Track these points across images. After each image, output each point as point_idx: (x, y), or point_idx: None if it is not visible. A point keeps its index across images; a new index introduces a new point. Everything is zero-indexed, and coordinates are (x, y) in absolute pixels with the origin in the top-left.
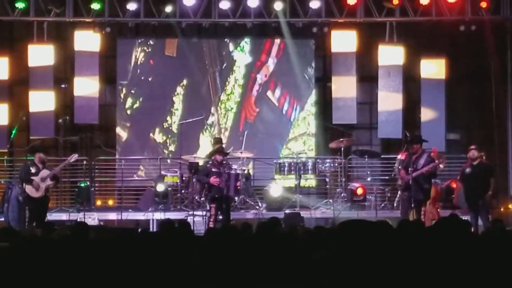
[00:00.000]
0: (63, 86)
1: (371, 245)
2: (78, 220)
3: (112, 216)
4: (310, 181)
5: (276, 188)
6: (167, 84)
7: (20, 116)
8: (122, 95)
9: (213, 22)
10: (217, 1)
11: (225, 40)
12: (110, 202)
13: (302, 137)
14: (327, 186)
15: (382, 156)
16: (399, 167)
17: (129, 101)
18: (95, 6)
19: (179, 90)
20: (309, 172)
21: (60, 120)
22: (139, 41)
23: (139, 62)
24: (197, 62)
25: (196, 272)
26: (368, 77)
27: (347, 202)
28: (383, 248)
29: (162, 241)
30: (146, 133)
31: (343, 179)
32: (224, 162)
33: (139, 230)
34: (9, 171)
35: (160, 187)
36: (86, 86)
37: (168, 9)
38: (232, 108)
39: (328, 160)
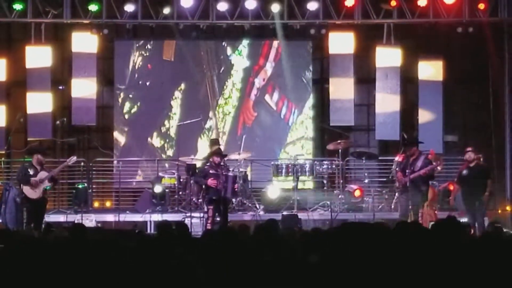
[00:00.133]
0: (60, 87)
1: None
2: (76, 221)
3: (110, 217)
4: (307, 182)
5: (274, 189)
6: (165, 88)
7: (18, 118)
8: (120, 100)
9: (210, 23)
10: (215, 2)
11: (223, 44)
12: (108, 204)
13: (300, 141)
14: (325, 188)
15: (379, 158)
16: (396, 169)
17: (127, 106)
18: (93, 7)
19: (177, 94)
20: (307, 173)
21: (58, 122)
22: (137, 45)
23: (137, 67)
24: (194, 66)
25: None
26: (365, 79)
27: (344, 204)
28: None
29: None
30: (144, 137)
31: (341, 181)
32: (221, 164)
33: (136, 231)
34: (6, 172)
35: (158, 189)
36: (84, 88)
37: (166, 10)
38: (230, 112)
39: (325, 162)
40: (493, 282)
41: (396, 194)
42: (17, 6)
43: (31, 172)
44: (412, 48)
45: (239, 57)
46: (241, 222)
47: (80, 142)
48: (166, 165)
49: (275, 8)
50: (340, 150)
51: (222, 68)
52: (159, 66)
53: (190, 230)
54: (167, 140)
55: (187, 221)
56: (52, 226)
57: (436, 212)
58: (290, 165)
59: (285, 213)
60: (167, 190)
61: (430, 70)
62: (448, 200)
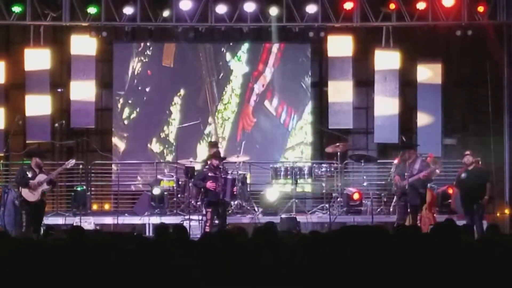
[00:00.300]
0: (59, 90)
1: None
2: (74, 224)
3: (108, 220)
4: (306, 185)
5: (273, 192)
6: (164, 94)
7: (17, 120)
8: (119, 105)
9: (209, 26)
10: (214, 5)
11: (222, 49)
12: (106, 206)
13: (299, 146)
14: (323, 191)
15: (378, 161)
16: (394, 173)
17: (126, 111)
18: (92, 10)
19: (176, 100)
20: (305, 176)
21: (57, 124)
22: (137, 51)
23: (136, 72)
24: (194, 72)
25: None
26: (364, 81)
27: (343, 207)
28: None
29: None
30: (144, 143)
31: (339, 184)
32: (220, 166)
33: (134, 234)
34: (5, 175)
35: (156, 191)
36: (83, 90)
37: (165, 13)
38: (229, 118)
39: (324, 165)
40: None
41: (395, 197)
42: (16, 9)
43: (29, 174)
44: (411, 51)
45: (238, 62)
46: (239, 225)
47: (79, 145)
48: (166, 171)
49: (273, 11)
50: (338, 153)
51: (221, 74)
52: (158, 72)
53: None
54: (167, 146)
55: (185, 223)
56: (52, 229)
57: (435, 215)
58: (288, 168)
59: (283, 215)
60: (165, 193)
61: (429, 73)
62: (448, 203)
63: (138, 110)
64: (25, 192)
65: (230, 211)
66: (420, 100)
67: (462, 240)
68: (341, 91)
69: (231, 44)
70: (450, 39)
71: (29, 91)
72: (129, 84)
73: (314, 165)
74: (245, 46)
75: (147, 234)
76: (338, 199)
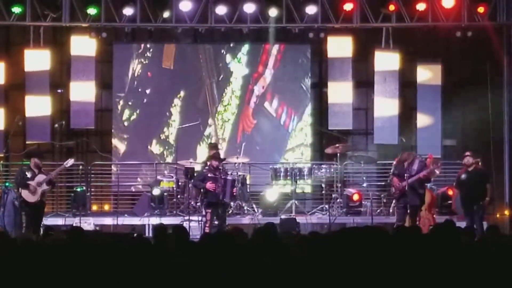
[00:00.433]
0: (59, 91)
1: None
2: (74, 225)
3: (108, 221)
4: (306, 186)
5: (272, 193)
6: (164, 95)
7: (16, 121)
8: (119, 107)
9: (209, 27)
10: (214, 6)
11: (222, 51)
12: (106, 207)
13: (299, 147)
14: (323, 192)
15: (378, 162)
16: (391, 175)
17: (126, 113)
18: (92, 11)
19: (176, 101)
20: (305, 177)
21: (56, 125)
22: (137, 52)
23: (136, 74)
24: (194, 74)
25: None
26: (364, 82)
27: (343, 208)
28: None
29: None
30: (144, 144)
31: (339, 185)
32: (220, 167)
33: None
34: (5, 175)
35: (156, 191)
36: (82, 91)
37: (165, 14)
38: (229, 120)
39: (324, 166)
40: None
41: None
42: (16, 9)
43: (28, 175)
44: (410, 52)
45: (238, 64)
46: (238, 226)
47: (78, 146)
48: (165, 172)
49: (273, 12)
50: (338, 154)
51: (221, 76)
52: (158, 73)
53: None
54: (167, 147)
55: (185, 224)
56: (51, 229)
57: (434, 216)
58: (288, 169)
59: (283, 216)
60: (165, 194)
61: (429, 74)
62: (448, 204)
63: (138, 111)
64: (25, 193)
65: (229, 212)
66: (420, 101)
67: (462, 241)
68: (341, 92)
69: (231, 45)
70: (450, 40)
71: (29, 92)
72: (129, 85)
73: (314, 166)
74: (245, 48)
75: (146, 235)
76: (338, 200)
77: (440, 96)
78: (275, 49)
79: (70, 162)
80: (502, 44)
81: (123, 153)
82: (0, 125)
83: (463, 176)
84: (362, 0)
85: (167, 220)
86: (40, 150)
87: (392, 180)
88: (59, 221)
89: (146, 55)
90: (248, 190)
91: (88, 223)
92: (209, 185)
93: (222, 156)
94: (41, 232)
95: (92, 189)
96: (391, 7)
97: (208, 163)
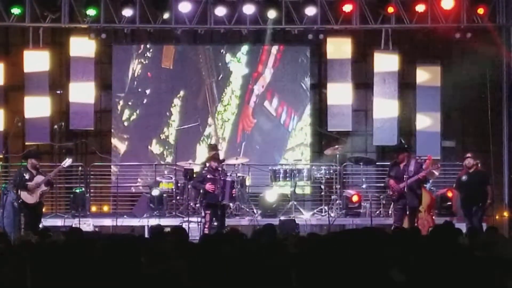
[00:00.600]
0: (58, 92)
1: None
2: (73, 226)
3: (107, 222)
4: (305, 188)
5: (272, 194)
6: (164, 95)
7: (16, 122)
8: (119, 107)
9: (209, 28)
10: (213, 7)
11: (221, 51)
12: (105, 208)
13: (299, 147)
14: (322, 193)
15: (377, 163)
16: (387, 177)
17: (126, 113)
18: (91, 12)
19: (176, 101)
20: (304, 179)
21: (56, 126)
22: (136, 53)
23: (136, 74)
24: (193, 73)
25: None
26: (363, 84)
27: (342, 209)
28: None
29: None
30: (144, 144)
31: (338, 186)
32: (219, 169)
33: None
34: (4, 176)
35: (155, 192)
36: (82, 92)
37: (165, 15)
38: (229, 119)
39: (323, 167)
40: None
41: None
42: (15, 11)
43: (27, 176)
44: (410, 53)
45: (238, 64)
46: (237, 227)
47: (77, 147)
48: (165, 172)
49: (271, 14)
50: (337, 155)
51: (221, 75)
52: (158, 73)
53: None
54: (167, 147)
55: (184, 225)
56: (49, 230)
57: (433, 217)
58: (287, 170)
59: (282, 218)
60: (164, 195)
61: (428, 75)
62: (447, 205)
63: (138, 111)
64: (23, 194)
65: (229, 213)
66: (419, 102)
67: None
68: (340, 93)
69: (230, 45)
70: (449, 41)
71: (28, 93)
72: (129, 86)
73: (313, 167)
74: (245, 48)
75: (146, 236)
76: (337, 202)
77: (440, 97)
78: (274, 48)
79: (68, 162)
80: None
81: (123, 153)
82: None
83: (463, 177)
84: (362, 2)
85: (166, 222)
86: (37, 151)
87: (389, 182)
88: (58, 222)
89: (146, 55)
90: (248, 192)
91: (87, 224)
92: (208, 186)
93: (221, 157)
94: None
95: (91, 190)
96: (390, 10)
97: (208, 164)
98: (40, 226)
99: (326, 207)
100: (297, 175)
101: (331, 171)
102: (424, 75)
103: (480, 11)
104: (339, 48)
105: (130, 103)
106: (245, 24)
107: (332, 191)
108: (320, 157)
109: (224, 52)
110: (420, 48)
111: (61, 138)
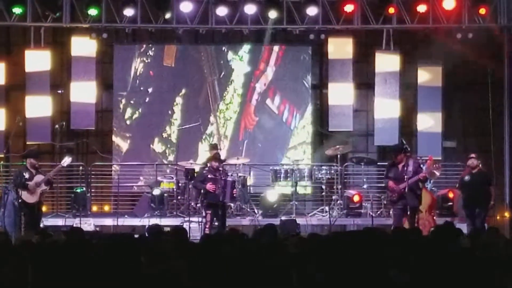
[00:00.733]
0: (59, 91)
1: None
2: (74, 225)
3: (108, 221)
4: (306, 188)
5: (273, 194)
6: (166, 94)
7: (17, 121)
8: (121, 106)
9: (210, 28)
10: (214, 7)
11: (223, 49)
12: (106, 208)
13: (301, 145)
14: (323, 193)
15: (378, 164)
16: (386, 179)
17: (128, 111)
18: (92, 12)
19: (178, 100)
20: (306, 179)
21: (57, 126)
22: (138, 51)
23: (138, 73)
24: (195, 71)
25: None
26: (364, 84)
27: (343, 209)
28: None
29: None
30: (146, 143)
31: (340, 186)
32: (220, 168)
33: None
34: (5, 176)
35: (156, 191)
36: (83, 92)
37: (166, 15)
38: (231, 118)
39: (324, 167)
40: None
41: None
42: (17, 10)
43: (26, 176)
44: (411, 53)
45: (240, 62)
46: (238, 227)
47: (78, 146)
48: (168, 171)
49: (272, 14)
50: (338, 156)
51: (223, 73)
52: (160, 72)
53: (188, 234)
54: (169, 146)
55: (185, 225)
56: (46, 230)
57: (434, 218)
58: (289, 171)
59: (283, 218)
60: (165, 195)
61: (429, 75)
62: (448, 206)
63: (140, 110)
64: (23, 194)
65: (230, 213)
66: (420, 102)
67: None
68: (341, 94)
69: (231, 45)
70: (450, 41)
71: (30, 92)
72: (131, 84)
73: (314, 167)
74: (247, 46)
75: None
76: (338, 202)
77: (441, 98)
78: (276, 46)
79: (67, 161)
80: (502, 46)
81: (126, 151)
82: (0, 125)
83: (466, 177)
84: (363, 2)
85: (167, 221)
86: (36, 151)
87: (388, 183)
88: (59, 222)
89: (148, 53)
90: (249, 192)
91: (88, 224)
92: (209, 186)
93: (223, 156)
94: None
95: (92, 190)
96: (391, 10)
97: (209, 164)
98: (41, 225)
99: (327, 207)
100: (298, 175)
101: (332, 171)
102: (425, 75)
103: (482, 11)
104: (340, 48)
105: (132, 102)
106: (246, 24)
107: (333, 191)
108: (321, 157)
109: (226, 50)
110: (422, 48)
111: (62, 137)
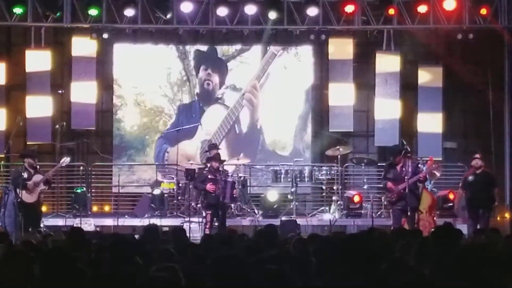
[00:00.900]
0: (60, 91)
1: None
2: (74, 225)
3: (109, 222)
4: (306, 188)
5: (273, 195)
6: (166, 93)
7: (17, 121)
8: (121, 105)
9: (210, 28)
10: (215, 8)
11: (224, 48)
12: (107, 208)
13: (301, 148)
14: (323, 194)
15: (378, 164)
16: (384, 180)
17: (128, 111)
18: (93, 12)
19: (178, 98)
20: (306, 179)
21: (57, 126)
22: (138, 51)
23: (138, 72)
24: (195, 71)
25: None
26: (365, 84)
27: (343, 210)
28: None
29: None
30: (146, 143)
31: (340, 187)
32: (220, 169)
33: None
34: (6, 176)
35: (157, 191)
36: (83, 92)
37: (167, 15)
38: (231, 117)
39: (324, 168)
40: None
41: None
42: (17, 10)
43: (25, 175)
44: (411, 54)
45: (240, 61)
46: (239, 228)
47: (79, 146)
48: (166, 170)
49: (273, 15)
50: (339, 156)
51: (222, 73)
52: (160, 71)
53: (188, 235)
54: (169, 145)
55: (185, 226)
56: (40, 231)
57: (435, 218)
58: (289, 171)
59: (284, 218)
60: (166, 195)
61: (430, 76)
62: (448, 207)
63: (140, 110)
64: (23, 194)
65: (230, 214)
66: (420, 103)
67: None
68: (342, 94)
69: (232, 45)
70: (451, 42)
71: (30, 92)
72: (131, 84)
73: (315, 168)
74: (247, 47)
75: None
76: (338, 202)
77: (441, 99)
78: (276, 47)
79: (66, 161)
80: (503, 46)
81: (126, 151)
82: (1, 125)
83: (470, 177)
84: (363, 2)
85: (167, 222)
86: (34, 150)
87: (387, 184)
88: (60, 222)
89: (147, 53)
90: (249, 192)
91: (88, 224)
92: (209, 186)
93: (222, 157)
94: (42, 232)
95: (93, 190)
96: (391, 11)
97: (209, 165)
98: (42, 225)
99: (327, 208)
100: (298, 175)
101: (333, 172)
102: (426, 76)
103: (483, 11)
104: (341, 48)
105: (132, 101)
106: (247, 24)
107: (333, 192)
108: (322, 157)
109: (226, 50)
110: (422, 49)
111: (63, 137)
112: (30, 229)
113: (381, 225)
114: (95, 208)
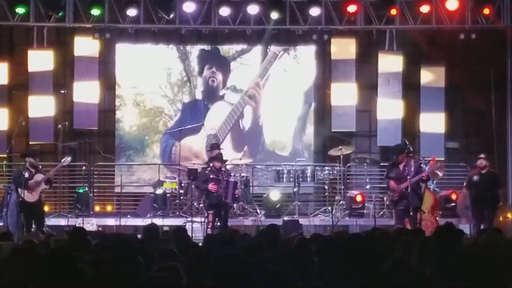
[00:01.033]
0: (62, 91)
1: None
2: (76, 225)
3: (111, 221)
4: (308, 188)
5: (275, 195)
6: (167, 93)
7: (20, 121)
8: (122, 105)
9: (213, 28)
10: (217, 7)
11: (226, 48)
12: (109, 208)
13: (304, 148)
14: (326, 194)
15: (381, 164)
16: (386, 179)
17: (129, 111)
18: (95, 12)
19: (180, 98)
20: (308, 179)
21: (60, 126)
22: (140, 51)
23: (139, 72)
24: (197, 71)
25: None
26: (367, 84)
27: (346, 210)
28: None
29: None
30: (148, 143)
31: (342, 187)
32: (222, 169)
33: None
34: (8, 176)
35: (159, 191)
36: (86, 92)
37: (170, 15)
38: (233, 117)
39: (327, 168)
40: None
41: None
42: (20, 10)
43: (26, 175)
44: (414, 54)
45: (241, 63)
46: (242, 227)
47: (81, 146)
48: (169, 173)
49: (275, 15)
50: (341, 156)
51: (225, 72)
52: (160, 72)
53: (191, 234)
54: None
55: (188, 226)
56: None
57: (437, 218)
58: (291, 171)
59: (286, 218)
60: (168, 195)
61: (432, 76)
62: (450, 207)
63: (141, 109)
64: (24, 193)
65: (232, 214)
66: (423, 103)
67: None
68: (344, 94)
69: (234, 45)
70: (453, 42)
71: (32, 92)
72: (133, 83)
73: (317, 168)
74: (250, 47)
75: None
76: (341, 202)
77: (444, 99)
78: (279, 47)
79: (67, 160)
80: (506, 46)
81: (127, 151)
82: (3, 125)
83: (475, 177)
84: (366, 2)
85: (169, 221)
86: (34, 150)
87: (390, 184)
88: (62, 222)
89: (150, 53)
90: (251, 192)
91: (90, 224)
92: (211, 186)
93: (225, 157)
94: (45, 231)
95: (95, 190)
96: (393, 12)
97: (211, 164)
98: (44, 225)
99: (329, 208)
100: (300, 175)
101: (335, 172)
102: (428, 76)
103: (486, 11)
104: (343, 48)
105: (133, 101)
106: (249, 24)
107: (336, 192)
108: (324, 157)
109: (228, 49)
110: (425, 49)
111: (65, 137)
112: (32, 229)
113: (384, 225)
114: (97, 208)
